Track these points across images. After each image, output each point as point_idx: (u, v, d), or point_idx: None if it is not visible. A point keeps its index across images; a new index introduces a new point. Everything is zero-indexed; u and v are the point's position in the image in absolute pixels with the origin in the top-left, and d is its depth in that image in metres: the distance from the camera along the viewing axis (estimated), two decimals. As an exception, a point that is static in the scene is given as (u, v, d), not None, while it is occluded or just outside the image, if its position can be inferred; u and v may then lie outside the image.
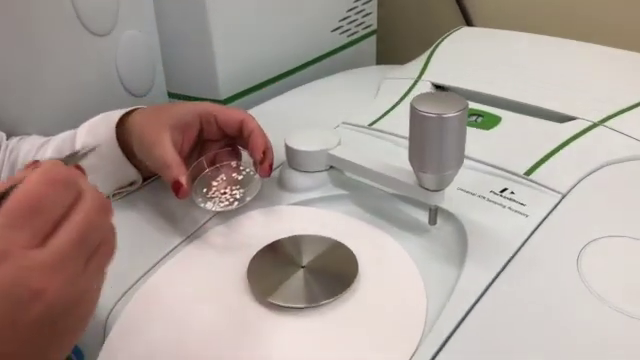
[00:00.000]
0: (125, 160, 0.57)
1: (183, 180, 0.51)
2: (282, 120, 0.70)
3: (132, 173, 0.59)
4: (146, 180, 0.61)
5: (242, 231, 0.54)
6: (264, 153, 0.53)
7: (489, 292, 0.45)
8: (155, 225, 0.56)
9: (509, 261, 0.47)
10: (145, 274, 0.50)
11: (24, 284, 0.30)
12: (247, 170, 0.54)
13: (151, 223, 0.57)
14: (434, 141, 0.46)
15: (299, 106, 0.77)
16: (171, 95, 0.85)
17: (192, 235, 0.54)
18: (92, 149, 0.40)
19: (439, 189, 0.49)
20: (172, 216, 0.57)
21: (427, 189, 0.49)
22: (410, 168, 0.50)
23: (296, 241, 0.51)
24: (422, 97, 0.47)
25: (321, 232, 0.52)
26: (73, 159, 0.37)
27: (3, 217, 0.30)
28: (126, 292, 0.49)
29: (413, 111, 0.46)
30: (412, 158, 0.48)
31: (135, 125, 0.55)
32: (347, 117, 0.69)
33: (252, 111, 0.74)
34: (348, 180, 0.58)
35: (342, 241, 0.51)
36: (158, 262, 0.52)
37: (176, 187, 0.51)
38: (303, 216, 0.55)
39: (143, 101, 0.79)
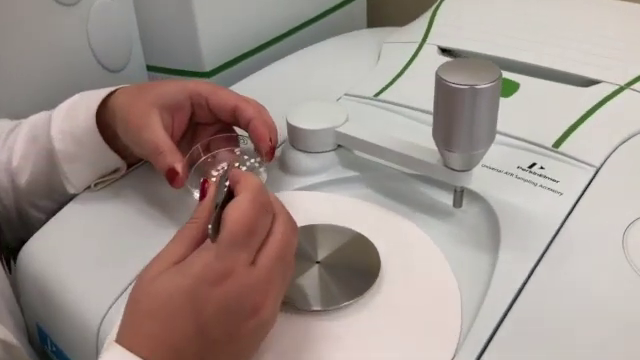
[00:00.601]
0: (107, 148, 0.51)
1: (179, 167, 0.45)
2: (276, 94, 0.64)
3: (115, 160, 0.53)
4: (130, 167, 0.55)
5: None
6: (271, 140, 0.47)
7: (530, 282, 0.40)
8: (146, 216, 0.51)
9: (548, 245, 0.43)
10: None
11: (247, 300, 0.33)
12: (251, 160, 0.47)
13: (141, 214, 0.51)
14: (465, 116, 0.40)
15: (292, 77, 0.70)
16: (150, 68, 0.77)
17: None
18: None
19: (467, 169, 0.44)
20: (165, 206, 0.51)
21: (453, 169, 0.44)
22: (431, 145, 0.44)
23: (308, 232, 0.45)
24: (448, 66, 0.41)
25: (334, 221, 0.46)
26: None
27: (228, 238, 0.33)
28: (119, 296, 0.44)
29: (440, 82, 0.40)
30: (437, 135, 0.43)
31: (118, 107, 0.49)
32: (349, 88, 0.63)
33: (240, 85, 0.68)
34: (358, 160, 0.52)
35: (359, 230, 0.45)
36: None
37: (171, 175, 0.45)
38: (312, 203, 0.50)
39: (120, 77, 0.72)
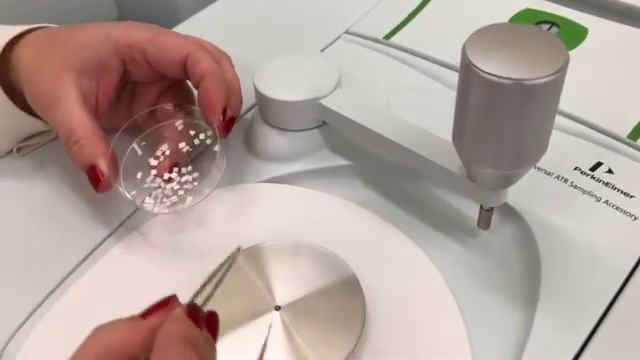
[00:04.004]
0: (19, 112, 0.38)
1: (102, 165, 0.32)
2: (247, 27, 0.49)
3: (36, 124, 0.40)
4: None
5: (186, 232, 0.35)
6: (224, 111, 0.33)
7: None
8: (72, 205, 0.38)
9: (611, 304, 0.30)
10: (49, 295, 0.34)
11: None
12: (201, 137, 0.34)
13: (68, 201, 0.39)
14: (504, 123, 0.25)
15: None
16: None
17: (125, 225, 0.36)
18: None
19: (501, 188, 0.30)
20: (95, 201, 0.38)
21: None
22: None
23: (265, 257, 0.33)
24: (483, 36, 0.26)
25: (307, 233, 0.33)
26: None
27: None
28: (23, 323, 0.33)
29: (468, 67, 0.25)
30: (458, 142, 0.28)
31: (23, 67, 0.36)
32: (352, 21, 0.47)
33: (211, 10, 0.53)
34: (350, 143, 0.38)
35: (341, 251, 0.32)
36: (66, 277, 0.34)
37: (93, 176, 0.33)
38: (281, 202, 0.36)
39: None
